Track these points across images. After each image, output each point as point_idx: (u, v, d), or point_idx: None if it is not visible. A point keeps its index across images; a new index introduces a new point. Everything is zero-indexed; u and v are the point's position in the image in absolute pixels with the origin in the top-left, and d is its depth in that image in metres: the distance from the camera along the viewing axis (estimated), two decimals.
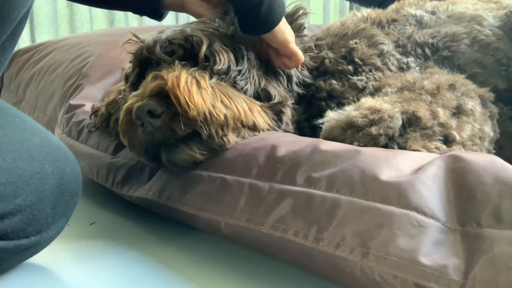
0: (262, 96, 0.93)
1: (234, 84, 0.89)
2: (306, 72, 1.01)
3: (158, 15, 1.09)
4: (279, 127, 0.93)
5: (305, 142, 0.79)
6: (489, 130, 0.88)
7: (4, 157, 0.69)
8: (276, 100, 0.93)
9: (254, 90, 0.92)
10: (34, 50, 1.74)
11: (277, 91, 0.95)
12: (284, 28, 0.91)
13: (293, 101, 0.98)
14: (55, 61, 1.53)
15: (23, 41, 2.60)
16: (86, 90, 1.30)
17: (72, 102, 1.26)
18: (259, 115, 0.89)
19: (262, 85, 0.93)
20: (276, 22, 0.89)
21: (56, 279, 0.77)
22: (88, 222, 1.00)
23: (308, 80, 1.01)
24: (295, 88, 0.99)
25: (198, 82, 0.82)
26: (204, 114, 0.79)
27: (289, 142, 0.80)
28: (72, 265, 0.82)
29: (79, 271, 0.80)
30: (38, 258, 0.81)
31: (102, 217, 1.04)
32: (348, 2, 2.71)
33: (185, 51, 0.90)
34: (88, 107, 1.19)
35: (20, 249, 0.74)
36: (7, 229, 0.70)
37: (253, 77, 0.92)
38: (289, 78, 0.99)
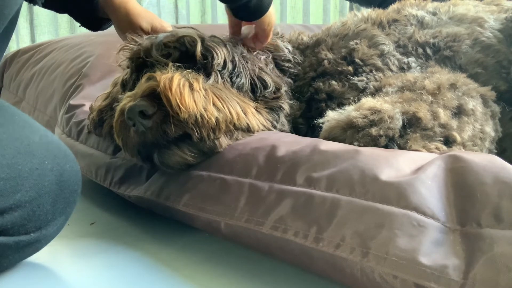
0: (258, 85, 0.93)
1: (230, 81, 0.90)
2: (289, 46, 1.06)
3: (95, 24, 1.10)
4: (275, 127, 0.94)
5: (305, 142, 0.78)
6: (490, 130, 0.87)
7: (4, 153, 0.70)
8: (271, 88, 0.94)
9: (250, 81, 0.92)
10: (34, 50, 1.74)
11: (271, 77, 0.96)
12: (270, 13, 0.97)
13: (286, 88, 0.99)
14: (55, 61, 1.53)
15: (23, 41, 2.61)
16: (86, 90, 1.30)
17: (72, 102, 1.26)
18: (253, 117, 0.89)
19: (256, 73, 0.94)
20: (264, 12, 0.95)
21: (56, 279, 0.77)
22: (88, 222, 0.99)
23: (299, 59, 1.06)
24: (288, 58, 1.03)
25: (191, 85, 0.82)
26: (195, 116, 0.79)
27: (289, 142, 0.80)
28: (72, 264, 0.82)
29: (79, 271, 0.80)
30: (38, 257, 0.81)
31: (102, 217, 1.03)
32: (348, 2, 2.71)
33: (180, 52, 0.90)
34: (88, 107, 1.19)
35: (20, 245, 0.74)
36: (7, 224, 0.70)
37: (246, 67, 0.93)
38: (277, 64, 1.03)
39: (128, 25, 1.05)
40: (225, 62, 0.90)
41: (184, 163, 0.84)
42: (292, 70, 1.03)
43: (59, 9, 1.10)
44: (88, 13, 1.09)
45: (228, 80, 0.90)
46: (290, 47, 1.07)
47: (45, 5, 1.00)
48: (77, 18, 1.11)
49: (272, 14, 0.98)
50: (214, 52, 0.89)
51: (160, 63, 0.89)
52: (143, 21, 1.06)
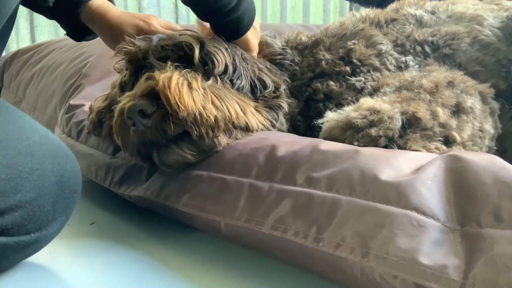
0: (258, 86, 0.94)
1: (231, 83, 0.90)
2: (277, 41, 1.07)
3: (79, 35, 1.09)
4: (274, 126, 0.94)
5: (305, 142, 0.78)
6: (489, 127, 0.87)
7: (4, 153, 0.70)
8: (270, 88, 0.94)
9: (250, 83, 0.93)
10: (34, 50, 1.74)
11: (270, 78, 0.96)
12: (248, 38, 0.99)
13: (285, 87, 0.99)
14: (55, 61, 1.53)
15: (23, 41, 2.61)
16: (86, 90, 1.30)
17: (72, 102, 1.26)
18: (252, 116, 0.89)
19: (257, 74, 0.94)
20: (241, 35, 0.97)
21: (56, 279, 0.77)
22: (88, 222, 0.99)
23: (297, 59, 1.06)
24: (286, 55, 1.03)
25: (189, 84, 0.82)
26: (194, 115, 0.79)
27: (289, 142, 0.80)
28: (72, 264, 0.82)
29: (79, 271, 0.80)
30: (38, 258, 0.81)
31: (102, 217, 1.03)
32: (348, 2, 2.71)
33: (179, 56, 0.90)
34: (88, 107, 1.19)
35: (20, 245, 0.74)
36: (7, 224, 0.70)
37: (246, 69, 0.93)
38: (271, 60, 1.03)
39: (114, 37, 1.03)
40: (226, 66, 0.90)
41: (184, 161, 0.84)
42: (286, 62, 1.04)
43: (49, 17, 1.10)
44: (72, 23, 1.08)
45: (228, 82, 0.90)
46: (279, 42, 1.07)
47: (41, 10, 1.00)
48: (63, 27, 1.11)
49: (249, 40, 0.99)
50: (214, 59, 0.89)
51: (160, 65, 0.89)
52: (127, 28, 1.03)
